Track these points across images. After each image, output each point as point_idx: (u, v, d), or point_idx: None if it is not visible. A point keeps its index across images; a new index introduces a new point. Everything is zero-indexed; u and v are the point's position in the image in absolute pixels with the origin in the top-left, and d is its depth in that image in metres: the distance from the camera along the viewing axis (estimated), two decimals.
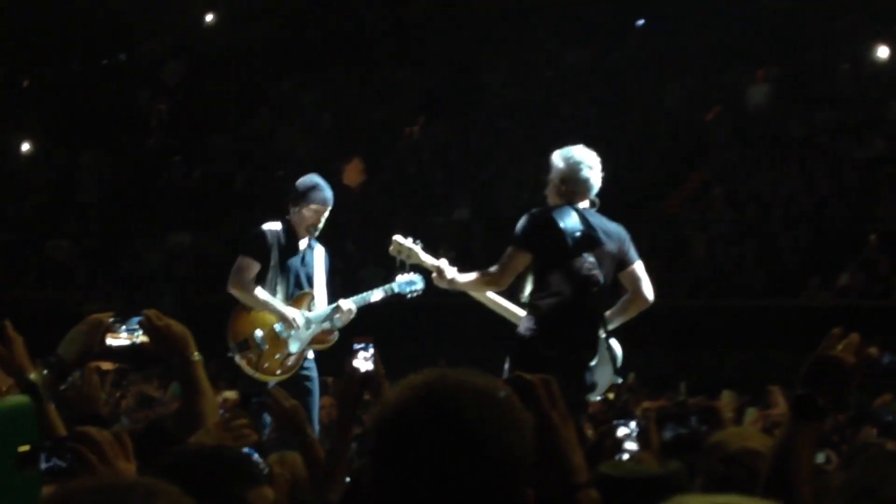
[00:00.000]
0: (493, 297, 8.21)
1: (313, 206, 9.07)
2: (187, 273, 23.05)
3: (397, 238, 8.71)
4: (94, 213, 25.67)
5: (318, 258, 9.29)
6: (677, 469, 3.59)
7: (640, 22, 25.85)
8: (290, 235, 9.13)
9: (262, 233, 9.10)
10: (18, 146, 27.86)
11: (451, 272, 8.22)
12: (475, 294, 8.23)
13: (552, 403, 2.67)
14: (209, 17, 29.70)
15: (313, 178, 9.21)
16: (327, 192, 9.13)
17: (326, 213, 9.12)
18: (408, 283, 9.07)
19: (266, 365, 9.03)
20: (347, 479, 4.51)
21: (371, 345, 4.76)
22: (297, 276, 9.16)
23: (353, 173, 24.27)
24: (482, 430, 2.30)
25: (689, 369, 16.59)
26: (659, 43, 24.35)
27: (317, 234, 9.18)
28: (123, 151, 27.03)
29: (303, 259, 9.19)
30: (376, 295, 9.13)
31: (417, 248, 8.61)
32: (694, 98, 23.39)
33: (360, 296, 9.14)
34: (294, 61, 27.36)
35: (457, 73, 25.98)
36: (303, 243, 9.20)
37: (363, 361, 4.73)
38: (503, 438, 2.32)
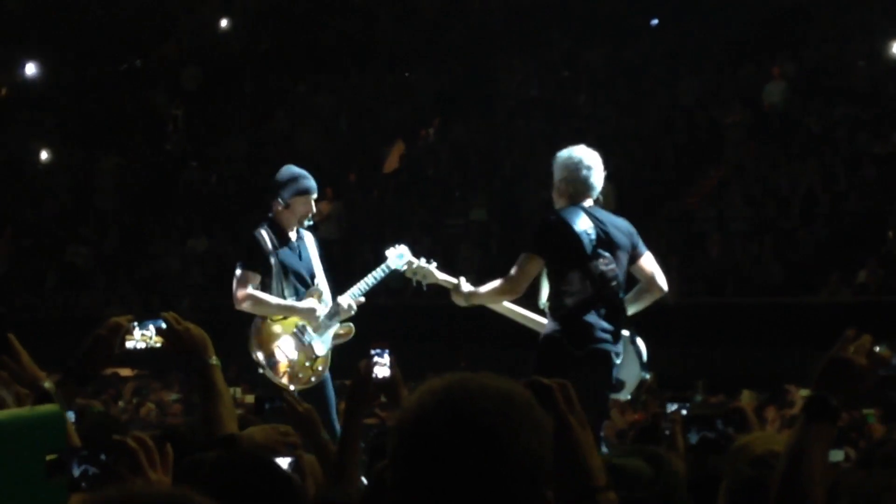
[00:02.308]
0: (511, 306, 8.22)
1: (304, 197, 8.80)
2: (205, 277, 23.10)
3: (411, 259, 8.69)
4: (111, 218, 25.75)
5: (311, 247, 9.01)
6: (670, 469, 3.58)
7: (655, 20, 25.85)
8: (281, 234, 8.84)
9: (257, 240, 8.78)
10: (37, 152, 27.97)
11: (467, 288, 8.21)
12: (493, 306, 8.24)
13: (569, 407, 2.68)
14: (224, 23, 29.77)
15: (294, 170, 8.93)
16: (312, 180, 8.88)
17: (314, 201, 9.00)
18: (398, 256, 8.97)
19: (301, 375, 8.83)
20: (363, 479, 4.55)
21: (387, 350, 4.77)
22: (300, 276, 8.87)
23: (395, 156, 24.43)
24: (502, 434, 2.31)
25: (707, 367, 16.59)
26: (674, 40, 24.35)
27: (310, 223, 8.94)
28: (141, 156, 27.12)
29: (299, 255, 8.91)
30: (371, 280, 9.01)
31: (432, 268, 8.59)
32: (710, 95, 23.38)
33: (356, 287, 8.99)
34: (309, 64, 27.42)
35: (472, 74, 26.01)
36: (293, 236, 8.90)
37: (380, 366, 4.75)
38: (523, 442, 2.33)
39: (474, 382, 2.36)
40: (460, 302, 8.26)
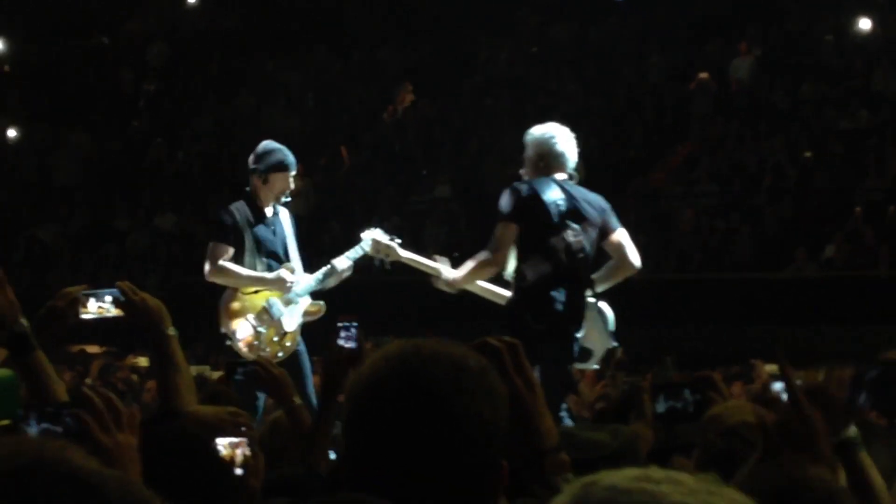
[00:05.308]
0: (481, 283, 8.18)
1: (282, 173, 8.84)
2: (172, 254, 23.02)
3: (375, 237, 8.68)
4: (78, 196, 25.62)
5: (287, 224, 9.06)
6: (629, 438, 3.57)
7: None
8: (257, 210, 8.87)
9: (231, 214, 8.81)
10: (2, 130, 27.78)
11: (450, 274, 8.16)
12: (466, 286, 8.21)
13: (518, 369, 2.66)
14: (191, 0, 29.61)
15: (273, 145, 8.98)
16: (291, 156, 8.93)
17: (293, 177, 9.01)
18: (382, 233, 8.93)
19: (268, 349, 8.78)
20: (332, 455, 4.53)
21: (355, 323, 4.75)
22: (274, 252, 8.91)
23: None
24: (457, 401, 2.29)
25: (675, 343, 16.60)
26: (641, 17, 24.33)
27: (287, 199, 8.98)
28: (107, 134, 26.96)
29: (274, 231, 8.95)
30: (355, 254, 8.97)
31: (395, 246, 8.57)
32: (677, 71, 23.37)
33: (351, 252, 8.93)
34: (276, 41, 27.28)
35: (440, 51, 25.94)
36: (269, 213, 8.94)
37: (347, 340, 4.73)
38: (476, 409, 2.31)
39: (428, 349, 2.34)
40: (445, 288, 8.19)
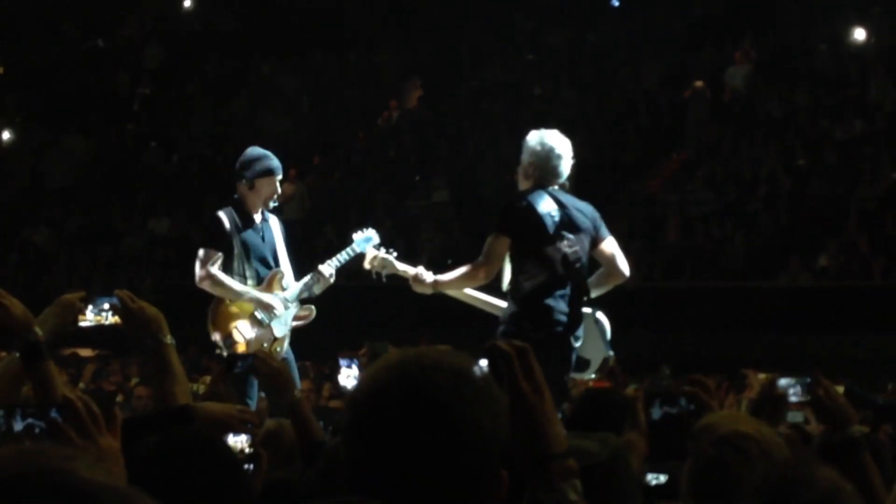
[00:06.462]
0: (471, 292, 8.21)
1: (268, 178, 8.83)
2: (167, 258, 23.01)
3: (371, 251, 8.70)
4: (73, 199, 25.61)
5: (276, 230, 9.04)
6: (618, 447, 3.57)
7: (616, 2, 25.83)
8: (245, 216, 8.85)
9: (219, 220, 8.80)
10: None
11: (429, 276, 8.19)
12: (454, 293, 8.23)
13: (527, 374, 2.67)
14: (187, 2, 29.61)
15: (258, 150, 8.98)
16: (276, 161, 8.93)
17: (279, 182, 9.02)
18: (365, 239, 8.96)
19: None
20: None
21: (355, 360, 4.74)
22: (263, 257, 8.88)
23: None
24: (457, 411, 2.31)
25: (669, 351, 16.60)
26: (636, 23, 24.36)
27: (275, 205, 9.00)
28: (103, 136, 26.97)
29: (263, 237, 8.92)
30: (336, 262, 8.99)
31: (392, 258, 8.58)
32: (672, 78, 23.40)
33: (333, 259, 8.99)
34: (272, 44, 27.31)
35: (436, 55, 25.96)
36: (257, 218, 8.93)
37: (347, 378, 4.72)
38: (476, 418, 2.32)
39: (429, 357, 2.36)
40: (424, 290, 8.22)
